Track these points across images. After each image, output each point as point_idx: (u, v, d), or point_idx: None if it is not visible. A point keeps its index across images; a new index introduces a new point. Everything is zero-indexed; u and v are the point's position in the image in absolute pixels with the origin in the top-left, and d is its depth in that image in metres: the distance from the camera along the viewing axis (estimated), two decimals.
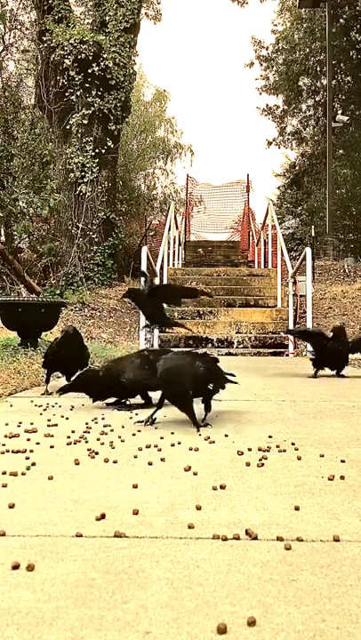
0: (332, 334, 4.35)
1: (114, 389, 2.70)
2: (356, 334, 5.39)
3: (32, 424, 2.25)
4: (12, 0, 13.82)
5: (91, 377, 2.70)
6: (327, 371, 4.26)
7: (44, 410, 2.64)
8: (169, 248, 9.48)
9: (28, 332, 5.00)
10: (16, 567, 1.00)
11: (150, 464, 1.68)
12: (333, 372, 4.29)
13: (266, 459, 1.74)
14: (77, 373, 2.83)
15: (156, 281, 7.30)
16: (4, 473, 1.57)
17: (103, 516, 1.24)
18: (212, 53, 64.53)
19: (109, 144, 10.57)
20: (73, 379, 2.78)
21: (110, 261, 10.41)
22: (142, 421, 2.31)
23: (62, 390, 2.71)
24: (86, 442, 1.98)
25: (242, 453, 1.80)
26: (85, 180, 10.31)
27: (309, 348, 4.58)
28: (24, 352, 4.66)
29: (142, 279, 4.29)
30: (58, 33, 10.32)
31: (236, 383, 2.57)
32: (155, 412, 2.31)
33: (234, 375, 2.58)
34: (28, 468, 1.63)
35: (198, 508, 1.30)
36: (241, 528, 1.18)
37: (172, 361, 2.25)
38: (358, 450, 1.88)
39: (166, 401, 2.31)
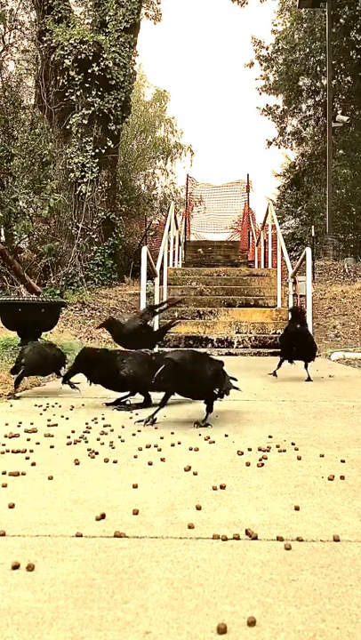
0: (290, 317, 4.10)
1: (112, 380, 2.69)
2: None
3: (32, 424, 2.25)
4: (12, 0, 13.83)
5: (89, 355, 2.70)
6: (320, 372, 4.25)
7: (44, 410, 2.64)
8: (169, 248, 9.48)
9: (28, 332, 5.00)
10: (16, 567, 1.00)
11: (150, 464, 1.68)
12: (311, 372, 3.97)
13: (266, 459, 1.74)
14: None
15: (156, 281, 7.29)
16: (3, 473, 1.57)
17: (103, 516, 1.24)
18: (212, 53, 64.51)
19: (109, 144, 10.58)
20: (73, 362, 2.77)
21: (110, 261, 10.41)
22: (142, 420, 2.31)
23: (65, 378, 2.74)
24: (86, 442, 1.98)
25: (242, 453, 1.80)
26: (85, 180, 10.31)
27: None
28: None
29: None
30: (58, 33, 10.33)
31: (237, 389, 2.57)
32: (156, 412, 2.31)
33: (236, 379, 2.58)
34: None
35: (198, 508, 1.30)
36: (241, 528, 1.18)
37: (183, 355, 2.27)
38: (358, 450, 1.88)
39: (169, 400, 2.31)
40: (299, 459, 1.74)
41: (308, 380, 3.85)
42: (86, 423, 2.28)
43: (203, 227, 16.95)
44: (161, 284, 7.88)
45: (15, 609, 0.87)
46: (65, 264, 10.24)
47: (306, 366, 3.92)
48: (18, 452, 1.82)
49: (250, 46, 24.39)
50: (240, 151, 55.15)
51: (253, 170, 64.56)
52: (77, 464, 1.68)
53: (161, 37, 56.95)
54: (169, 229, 9.11)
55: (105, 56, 10.38)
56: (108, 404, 2.78)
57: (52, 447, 1.89)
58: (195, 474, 1.58)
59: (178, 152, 20.66)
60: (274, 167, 33.97)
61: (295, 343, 3.92)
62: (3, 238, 8.57)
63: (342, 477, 1.54)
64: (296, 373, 4.12)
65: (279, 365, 3.97)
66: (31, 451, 1.83)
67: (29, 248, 12.45)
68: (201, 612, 0.86)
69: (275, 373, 3.93)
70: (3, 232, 8.68)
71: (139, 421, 2.33)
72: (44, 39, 10.53)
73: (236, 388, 2.54)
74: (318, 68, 20.20)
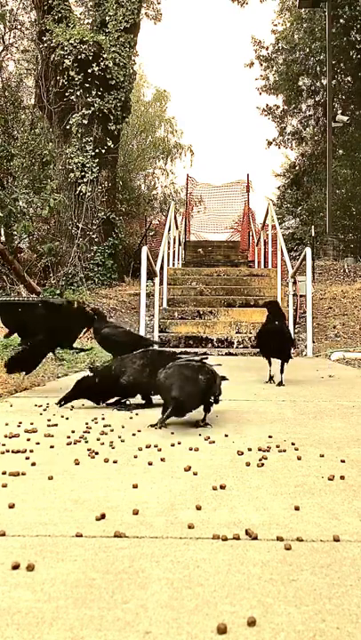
0: (267, 313, 3.78)
1: (113, 390, 2.69)
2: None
3: (32, 424, 2.25)
4: (12, 0, 13.84)
5: (88, 383, 2.67)
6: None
7: (44, 410, 2.64)
8: (169, 248, 9.48)
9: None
10: (16, 567, 1.00)
11: (150, 464, 1.68)
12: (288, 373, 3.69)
13: (266, 459, 1.74)
14: (76, 380, 2.76)
15: (156, 281, 7.30)
16: (3, 473, 1.57)
17: (103, 516, 1.24)
18: (212, 53, 64.49)
19: (109, 144, 10.57)
20: (72, 388, 2.71)
21: (110, 261, 10.41)
22: (154, 425, 2.28)
23: (63, 401, 2.66)
24: (86, 442, 1.98)
25: (242, 453, 1.80)
26: (85, 180, 10.31)
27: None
28: None
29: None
30: (58, 33, 10.32)
31: (225, 379, 2.58)
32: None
33: (220, 365, 2.59)
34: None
35: (198, 508, 1.30)
36: (241, 528, 1.18)
37: (176, 375, 2.22)
38: (358, 450, 1.87)
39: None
40: (299, 459, 1.74)
41: (280, 384, 3.54)
42: (86, 423, 2.28)
43: (203, 227, 16.95)
44: (161, 284, 7.88)
45: (15, 609, 0.87)
46: (65, 264, 10.24)
47: (282, 369, 3.63)
48: (18, 452, 1.82)
49: (250, 46, 24.37)
50: (240, 151, 55.14)
51: (253, 170, 64.56)
52: (77, 464, 1.68)
53: (161, 37, 56.94)
54: (169, 229, 9.11)
55: (105, 56, 10.37)
56: (108, 404, 2.77)
57: (52, 447, 1.89)
58: (195, 474, 1.58)
59: (178, 152, 20.68)
60: (274, 167, 33.96)
61: (273, 341, 3.67)
62: (3, 238, 8.57)
63: (342, 477, 1.54)
64: (296, 373, 4.12)
65: (270, 366, 3.73)
66: (31, 451, 1.83)
67: (29, 248, 12.45)
68: (201, 612, 0.86)
69: (271, 379, 3.67)
70: (3, 232, 8.68)
71: (151, 425, 2.29)
72: (44, 39, 10.53)
73: (225, 378, 2.56)
74: (318, 68, 20.18)
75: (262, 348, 3.80)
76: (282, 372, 3.61)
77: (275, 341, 3.68)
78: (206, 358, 2.46)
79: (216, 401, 2.38)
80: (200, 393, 2.24)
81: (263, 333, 3.77)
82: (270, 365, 3.74)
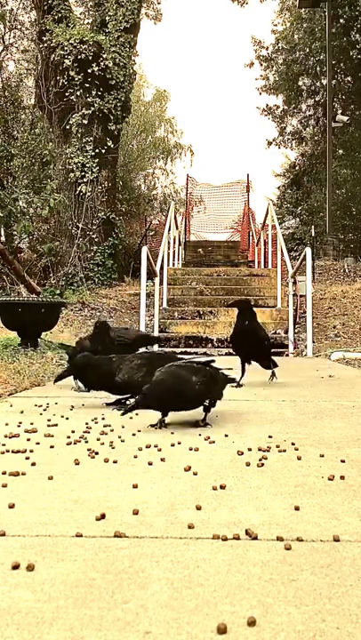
0: (237, 312, 3.53)
1: (108, 385, 2.69)
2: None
3: (32, 424, 2.25)
4: (12, 0, 13.84)
5: (85, 361, 2.67)
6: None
7: (44, 410, 2.64)
8: (169, 248, 9.48)
9: (28, 332, 5.00)
10: (16, 567, 1.00)
11: (150, 464, 1.68)
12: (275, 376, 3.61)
13: (266, 459, 1.74)
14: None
15: (156, 281, 7.29)
16: (3, 473, 1.57)
17: (103, 516, 1.24)
18: (212, 53, 64.45)
19: (109, 144, 10.58)
20: (67, 365, 2.75)
21: (110, 261, 10.41)
22: (154, 425, 2.28)
23: (58, 378, 2.72)
24: (86, 442, 1.98)
25: (242, 453, 1.80)
26: (85, 180, 10.31)
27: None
28: (24, 352, 4.67)
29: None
30: (58, 33, 10.32)
31: (234, 380, 2.57)
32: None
33: (230, 368, 2.58)
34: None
35: (198, 508, 1.30)
36: (241, 528, 1.18)
37: (168, 378, 2.20)
38: (358, 450, 1.87)
39: None
40: (299, 459, 1.74)
41: (273, 376, 3.56)
42: (86, 423, 2.28)
43: (203, 227, 16.96)
44: (161, 284, 7.88)
45: (15, 609, 0.87)
46: (65, 264, 10.24)
47: (272, 370, 3.59)
48: (18, 452, 1.82)
49: (250, 46, 24.35)
50: (240, 151, 55.08)
51: (253, 170, 64.54)
52: (77, 464, 1.68)
53: (161, 37, 56.88)
54: (169, 229, 9.11)
55: (105, 56, 10.37)
56: (108, 404, 2.77)
57: (52, 447, 1.89)
58: (195, 474, 1.58)
59: (178, 152, 20.69)
60: (274, 167, 33.91)
61: (246, 343, 3.47)
62: (3, 238, 8.57)
63: (342, 477, 1.54)
64: (296, 373, 4.12)
65: (243, 372, 3.42)
66: (31, 451, 1.83)
67: (29, 248, 12.45)
68: (201, 612, 0.85)
69: (239, 384, 3.33)
70: (3, 232, 8.68)
71: (151, 425, 2.29)
72: (44, 39, 10.53)
73: (233, 380, 2.54)
74: (318, 68, 20.18)
75: (238, 353, 3.56)
76: (272, 369, 3.59)
77: (248, 344, 3.47)
78: (213, 361, 2.44)
79: (212, 404, 2.36)
80: (193, 394, 2.23)
81: (235, 336, 3.55)
82: (243, 369, 3.47)
